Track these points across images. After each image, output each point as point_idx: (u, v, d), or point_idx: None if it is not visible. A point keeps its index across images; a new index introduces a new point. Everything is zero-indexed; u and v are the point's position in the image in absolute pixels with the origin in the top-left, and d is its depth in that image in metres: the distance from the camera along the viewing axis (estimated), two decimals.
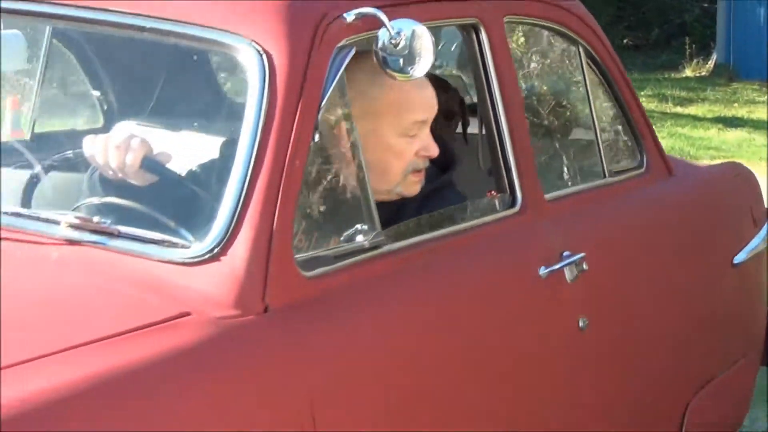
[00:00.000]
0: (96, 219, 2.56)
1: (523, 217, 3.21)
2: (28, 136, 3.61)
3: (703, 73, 18.86)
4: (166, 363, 2.28)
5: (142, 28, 2.90)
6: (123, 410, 2.17)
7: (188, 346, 2.33)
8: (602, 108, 3.85)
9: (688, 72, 19.08)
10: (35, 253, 2.59)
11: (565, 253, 3.25)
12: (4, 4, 3.11)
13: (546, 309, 3.26)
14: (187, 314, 2.38)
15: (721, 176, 4.51)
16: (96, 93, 3.71)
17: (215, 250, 2.45)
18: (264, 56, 2.62)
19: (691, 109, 16.58)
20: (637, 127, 3.95)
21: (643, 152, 3.93)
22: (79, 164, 2.96)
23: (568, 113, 3.83)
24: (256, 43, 2.65)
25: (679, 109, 16.08)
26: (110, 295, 2.47)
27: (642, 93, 14.28)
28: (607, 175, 3.71)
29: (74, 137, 3.28)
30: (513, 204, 3.19)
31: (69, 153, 3.00)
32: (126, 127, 3.05)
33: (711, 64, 19.41)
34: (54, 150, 3.18)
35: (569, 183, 3.60)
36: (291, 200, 2.56)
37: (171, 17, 2.84)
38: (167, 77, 3.31)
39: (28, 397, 2.06)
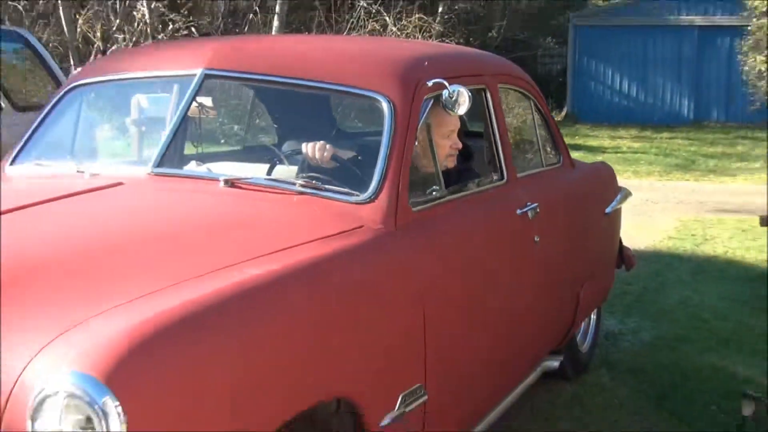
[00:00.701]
0: (314, 182, 2.66)
1: (507, 185, 3.30)
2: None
3: (559, 119, 18.76)
4: (355, 248, 2.42)
5: (320, 89, 2.93)
6: (335, 274, 2.30)
7: (364, 240, 2.48)
8: (541, 132, 3.85)
9: None
10: (282, 198, 2.65)
11: (528, 203, 3.32)
12: (236, 74, 2.99)
13: (520, 232, 3.30)
14: (361, 227, 2.51)
15: (597, 168, 4.52)
16: (276, 126, 3.54)
17: (372, 197, 2.58)
18: (391, 104, 2.72)
19: None
20: (557, 142, 4.00)
21: (560, 155, 3.97)
22: (292, 157, 2.99)
23: (525, 134, 3.79)
24: (388, 97, 2.74)
25: None
26: (322, 218, 2.55)
27: None
28: (544, 165, 3.78)
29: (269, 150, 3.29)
30: (502, 178, 3.28)
31: (289, 151, 3.02)
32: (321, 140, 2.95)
33: (564, 113, 19.23)
34: (264, 154, 3.15)
35: (527, 169, 3.60)
36: (406, 174, 2.66)
37: (341, 81, 2.88)
38: (336, 113, 3.25)
39: (282, 269, 2.15)
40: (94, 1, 15.70)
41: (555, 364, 3.80)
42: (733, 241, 7.31)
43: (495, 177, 3.27)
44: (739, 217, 8.42)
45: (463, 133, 3.30)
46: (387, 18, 15.86)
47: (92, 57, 15.44)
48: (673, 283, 5.98)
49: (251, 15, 16.51)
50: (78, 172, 2.82)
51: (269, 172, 2.83)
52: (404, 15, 16.17)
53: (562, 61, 20.50)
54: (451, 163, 3.09)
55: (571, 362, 4.06)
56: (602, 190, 4.28)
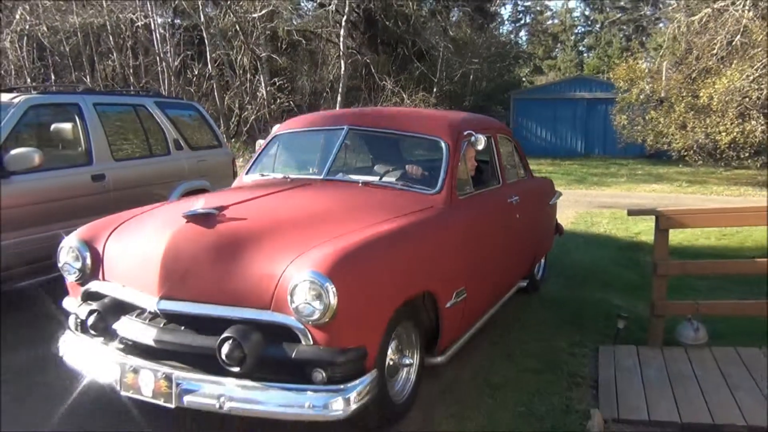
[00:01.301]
0: (408, 183, 2.75)
1: (502, 187, 3.34)
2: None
3: None
4: (432, 215, 2.54)
5: (408, 135, 3.00)
6: (424, 227, 2.41)
7: (435, 212, 2.58)
8: (517, 160, 3.81)
9: None
10: (392, 191, 2.72)
11: (513, 196, 3.37)
12: (348, 127, 2.89)
13: (510, 210, 3.31)
14: (432, 207, 2.62)
15: (543, 180, 4.37)
16: (372, 156, 3.39)
17: (438, 191, 2.68)
18: (447, 144, 2.81)
19: None
20: (525, 165, 3.92)
21: (527, 172, 3.93)
22: (395, 173, 2.92)
23: (509, 161, 3.70)
24: (445, 140, 2.83)
25: None
26: (410, 202, 2.62)
27: None
28: (519, 177, 3.75)
29: (369, 167, 3.17)
30: (499, 183, 3.33)
31: (390, 169, 2.96)
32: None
33: None
34: (367, 170, 3.05)
35: (511, 179, 3.55)
36: (455, 179, 2.75)
37: (420, 132, 2.91)
38: (409, 149, 3.23)
39: (403, 224, 2.31)
40: (234, 86, 16.10)
41: (524, 284, 3.83)
42: (610, 225, 7.04)
43: (495, 182, 3.34)
44: (612, 210, 8.28)
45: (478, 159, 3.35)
46: (404, 94, 16.21)
47: (233, 118, 15.83)
48: (574, 250, 5.75)
49: (325, 94, 16.90)
50: (284, 177, 2.95)
51: (381, 179, 2.89)
52: (413, 93, 16.50)
53: (506, 120, 20.43)
54: (472, 173, 3.12)
55: (532, 284, 4.06)
56: (547, 191, 4.25)
